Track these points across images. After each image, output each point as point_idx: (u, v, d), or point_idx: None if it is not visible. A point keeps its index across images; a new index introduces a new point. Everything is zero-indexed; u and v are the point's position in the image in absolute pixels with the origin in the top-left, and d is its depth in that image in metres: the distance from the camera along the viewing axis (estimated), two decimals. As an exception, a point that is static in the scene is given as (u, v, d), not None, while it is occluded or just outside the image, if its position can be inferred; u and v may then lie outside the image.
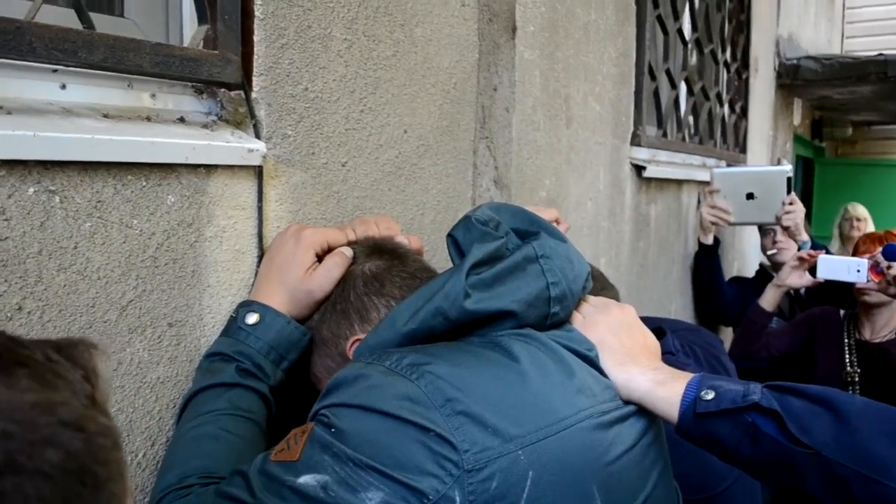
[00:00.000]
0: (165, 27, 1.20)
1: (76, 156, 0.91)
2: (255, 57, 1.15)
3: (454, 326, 0.92)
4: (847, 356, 2.60)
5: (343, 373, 0.88)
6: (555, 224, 1.08)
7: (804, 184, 7.55)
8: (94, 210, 0.94)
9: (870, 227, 4.96)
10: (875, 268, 2.44)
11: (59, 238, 0.91)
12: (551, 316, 0.97)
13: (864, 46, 7.48)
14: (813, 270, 2.61)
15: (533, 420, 0.84)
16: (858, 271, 2.41)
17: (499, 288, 0.93)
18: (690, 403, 0.93)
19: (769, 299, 2.77)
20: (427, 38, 1.55)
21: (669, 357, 1.54)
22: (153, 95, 1.08)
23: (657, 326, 1.67)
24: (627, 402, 0.96)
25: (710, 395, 0.92)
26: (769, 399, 0.90)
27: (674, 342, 1.59)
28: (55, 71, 0.95)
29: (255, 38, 1.15)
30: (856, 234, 4.91)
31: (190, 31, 1.16)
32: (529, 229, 1.03)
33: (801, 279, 2.73)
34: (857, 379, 2.57)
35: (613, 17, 2.53)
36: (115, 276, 0.97)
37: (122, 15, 1.18)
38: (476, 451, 0.79)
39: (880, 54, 5.32)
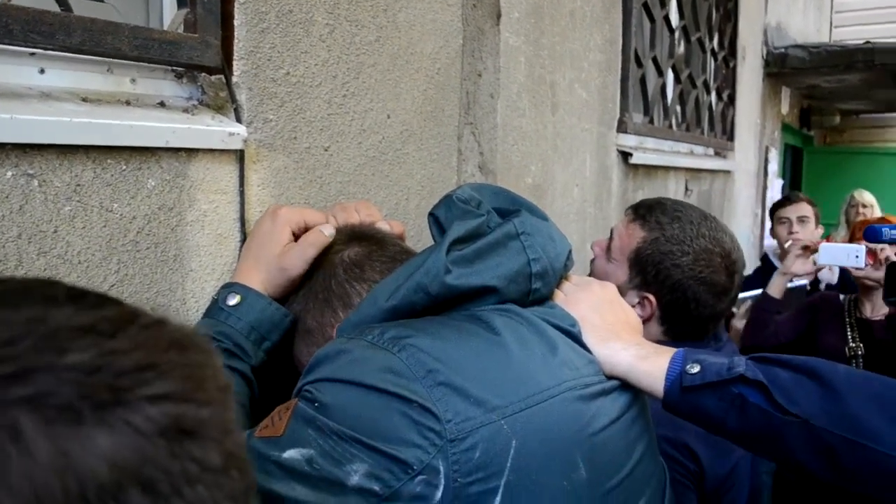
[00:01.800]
0: (146, 11, 1.20)
1: (54, 139, 0.90)
2: (236, 41, 1.15)
3: (435, 302, 0.92)
4: (849, 333, 2.73)
5: (326, 348, 0.88)
6: None
7: (793, 172, 7.58)
8: (74, 194, 0.94)
9: (876, 213, 4.99)
10: (871, 251, 2.51)
11: (38, 222, 0.91)
12: (533, 292, 0.98)
13: (853, 35, 7.48)
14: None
15: (515, 391, 0.85)
16: (857, 257, 2.50)
17: (479, 264, 0.94)
18: (676, 378, 0.94)
19: (776, 287, 2.85)
20: (410, 23, 1.55)
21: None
22: (133, 80, 1.08)
23: None
24: (611, 378, 0.97)
25: (696, 369, 0.93)
26: (754, 370, 0.90)
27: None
28: (33, 54, 0.95)
29: (236, 22, 1.14)
30: (860, 220, 4.95)
31: (170, 15, 1.16)
32: (511, 208, 1.03)
33: (804, 266, 2.81)
34: (859, 353, 2.69)
35: (599, 3, 2.53)
36: (95, 261, 0.97)
37: (101, -1, 1.17)
38: (459, 421, 0.80)
39: (867, 42, 5.34)
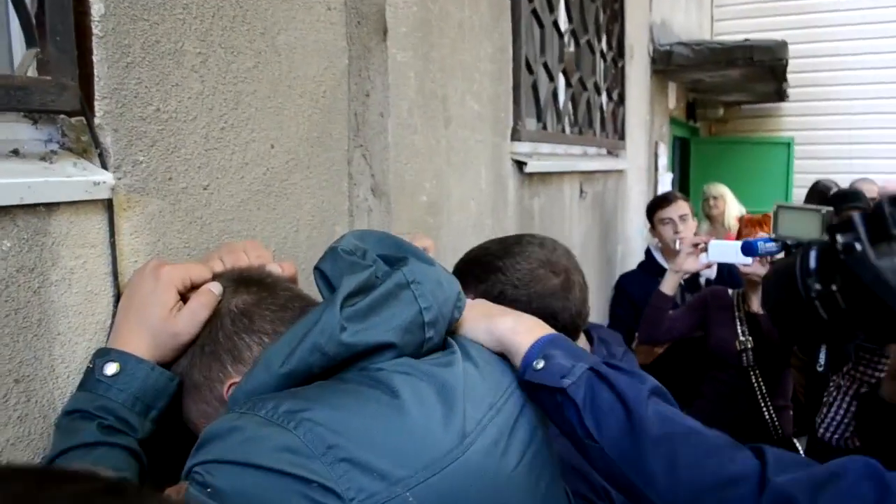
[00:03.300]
0: (-8, 50, 1.09)
1: None
2: (96, 79, 1.06)
3: (333, 362, 0.89)
4: (739, 327, 2.88)
5: (216, 425, 0.83)
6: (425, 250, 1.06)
7: (681, 162, 7.85)
8: (-89, 265, 0.84)
9: (727, 203, 5.29)
10: None
11: None
12: (427, 342, 0.96)
13: (732, 29, 7.83)
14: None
15: (418, 458, 0.82)
16: None
17: (374, 317, 0.91)
18: (525, 368, 1.00)
19: (670, 284, 2.97)
20: (291, 45, 1.48)
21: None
22: (-19, 127, 0.98)
23: (586, 329, 1.67)
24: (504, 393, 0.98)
25: (541, 365, 0.99)
26: (577, 387, 0.96)
27: (601, 349, 1.61)
28: None
29: (95, 59, 1.05)
30: (714, 212, 5.34)
31: (20, 54, 1.06)
32: (397, 255, 1.01)
33: (696, 263, 2.93)
34: (749, 346, 2.84)
35: (488, 13, 2.51)
36: (-59, 337, 0.87)
37: (-61, 39, 1.06)
38: (362, 498, 0.77)
39: (746, 40, 5.57)
